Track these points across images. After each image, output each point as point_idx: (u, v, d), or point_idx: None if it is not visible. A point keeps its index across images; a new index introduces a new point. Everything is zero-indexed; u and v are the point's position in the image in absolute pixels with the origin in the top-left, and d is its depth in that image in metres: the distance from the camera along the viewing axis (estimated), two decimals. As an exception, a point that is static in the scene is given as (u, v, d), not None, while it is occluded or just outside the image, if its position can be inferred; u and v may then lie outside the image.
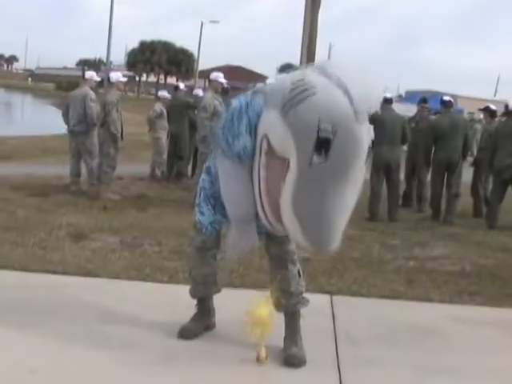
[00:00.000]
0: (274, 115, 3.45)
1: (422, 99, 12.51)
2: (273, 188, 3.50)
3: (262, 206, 3.60)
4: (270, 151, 3.47)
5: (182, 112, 12.86)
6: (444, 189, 10.41)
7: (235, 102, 3.77)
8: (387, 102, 10.26)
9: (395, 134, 9.84)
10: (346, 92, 3.38)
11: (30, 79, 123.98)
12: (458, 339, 4.67)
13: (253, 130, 3.64)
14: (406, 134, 10.08)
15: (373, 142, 10.57)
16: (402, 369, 4.04)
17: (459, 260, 7.28)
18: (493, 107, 11.70)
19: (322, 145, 3.28)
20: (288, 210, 3.40)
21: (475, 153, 12.38)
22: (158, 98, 14.31)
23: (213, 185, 4.07)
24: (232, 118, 3.70)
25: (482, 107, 12.18)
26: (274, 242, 4.06)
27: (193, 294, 4.42)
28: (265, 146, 3.49)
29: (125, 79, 10.72)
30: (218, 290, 4.45)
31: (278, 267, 4.10)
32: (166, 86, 78.99)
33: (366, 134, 3.47)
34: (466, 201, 10.85)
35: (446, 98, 10.87)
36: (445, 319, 5.09)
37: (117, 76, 10.47)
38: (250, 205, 3.72)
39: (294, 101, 3.37)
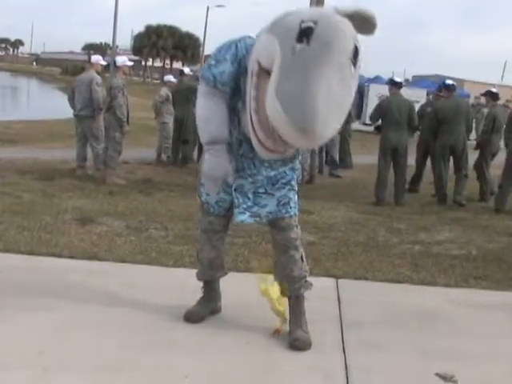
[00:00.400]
0: (263, 37, 3.57)
1: (439, 87, 12.46)
2: (261, 105, 3.52)
3: (253, 126, 3.62)
4: (260, 71, 3.53)
5: (187, 96, 12.81)
6: (448, 172, 10.41)
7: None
8: (396, 85, 10.27)
9: (402, 119, 9.81)
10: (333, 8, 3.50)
11: (34, 63, 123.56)
12: (464, 323, 4.68)
13: (236, 62, 3.76)
14: (413, 118, 10.04)
15: (380, 127, 10.63)
16: (407, 352, 4.04)
17: (465, 244, 7.27)
18: (494, 90, 11.65)
19: (304, 33, 3.33)
20: (272, 98, 3.35)
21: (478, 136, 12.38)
22: (165, 83, 14.25)
23: None
24: (222, 46, 3.84)
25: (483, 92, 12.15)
26: (277, 229, 4.08)
27: (200, 276, 4.44)
28: (256, 68, 3.55)
29: (131, 63, 10.67)
30: (225, 273, 4.47)
31: (281, 253, 4.12)
32: (171, 71, 79.03)
33: (349, 28, 3.42)
34: (471, 185, 10.82)
35: (449, 81, 10.83)
36: (450, 303, 5.09)
37: (123, 60, 10.43)
38: (218, 130, 3.82)
39: (282, 16, 3.55)
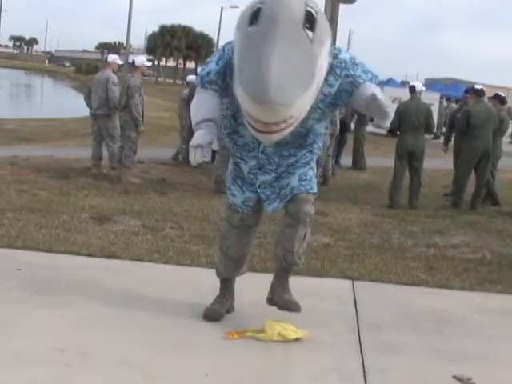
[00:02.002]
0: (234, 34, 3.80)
1: (466, 90, 12.42)
2: None
3: (245, 118, 3.79)
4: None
5: None
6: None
7: None
8: (411, 89, 10.30)
9: (420, 122, 9.82)
10: None
11: (46, 61, 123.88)
12: (480, 326, 4.71)
13: (222, 62, 4.02)
14: (431, 122, 10.04)
15: (392, 130, 10.61)
16: (424, 354, 4.07)
17: (479, 248, 7.28)
18: (502, 94, 11.63)
19: (254, 15, 3.55)
20: (236, 85, 3.60)
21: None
22: (187, 83, 14.21)
23: (237, 166, 4.27)
24: (215, 53, 4.18)
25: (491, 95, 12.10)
26: (293, 202, 4.12)
27: (221, 273, 4.50)
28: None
29: (149, 63, 10.75)
30: (246, 271, 4.59)
31: (287, 225, 4.16)
32: (184, 71, 79.13)
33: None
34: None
35: (478, 86, 10.82)
36: (466, 306, 5.12)
37: (141, 60, 10.48)
38: (208, 112, 4.04)
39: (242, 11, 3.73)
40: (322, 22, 3.67)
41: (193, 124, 4.15)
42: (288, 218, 4.17)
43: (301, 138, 4.12)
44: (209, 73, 4.06)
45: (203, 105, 4.11)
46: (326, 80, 3.93)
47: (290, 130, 3.78)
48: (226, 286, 4.49)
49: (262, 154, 4.12)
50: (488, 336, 4.52)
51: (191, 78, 13.99)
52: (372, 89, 3.93)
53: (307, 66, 3.54)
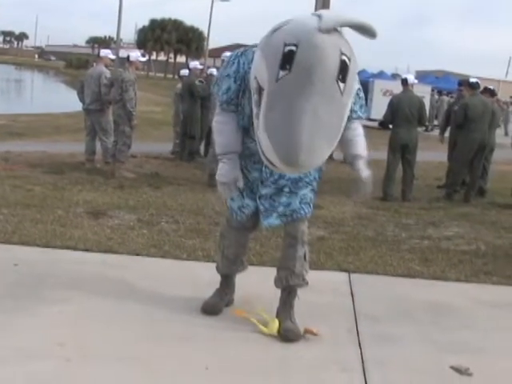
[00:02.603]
0: (257, 53, 3.55)
1: (459, 83, 12.45)
2: None
3: (259, 143, 3.60)
4: (259, 89, 3.49)
5: (190, 92, 12.85)
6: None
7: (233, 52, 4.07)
8: (404, 82, 10.34)
9: (412, 115, 9.86)
10: (319, 15, 3.39)
11: (36, 56, 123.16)
12: (476, 317, 4.75)
13: (239, 78, 3.90)
14: (423, 115, 10.09)
15: (389, 123, 10.63)
16: (422, 345, 4.11)
17: (474, 240, 7.33)
18: (491, 87, 11.67)
19: (286, 59, 3.29)
20: (261, 129, 3.42)
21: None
22: (181, 78, 14.17)
23: (241, 172, 4.18)
24: (227, 61, 4.00)
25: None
26: (292, 222, 4.17)
27: (222, 270, 4.53)
28: (254, 85, 3.53)
29: (144, 59, 10.75)
30: (246, 267, 4.59)
31: (288, 245, 4.22)
32: (175, 65, 78.94)
33: (333, 45, 3.33)
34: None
35: (473, 79, 10.86)
36: (462, 298, 5.16)
37: (136, 55, 10.46)
38: (229, 142, 4.02)
39: (269, 33, 3.48)
40: (354, 67, 3.46)
41: (216, 151, 4.14)
42: (287, 238, 4.23)
43: None
44: (228, 90, 3.94)
45: (225, 133, 4.03)
46: None
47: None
48: (227, 281, 4.52)
49: (266, 168, 4.03)
50: (484, 327, 4.56)
51: (184, 72, 13.97)
52: (360, 164, 4.06)
53: (336, 122, 3.44)
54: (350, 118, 3.94)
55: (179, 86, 13.73)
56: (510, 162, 14.60)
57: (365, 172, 4.04)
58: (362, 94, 4.11)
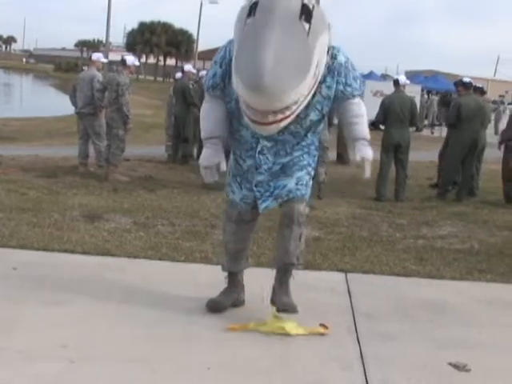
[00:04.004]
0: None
1: (455, 83, 12.54)
2: None
3: (243, 109, 3.87)
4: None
5: (183, 95, 12.88)
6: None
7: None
8: (395, 83, 10.42)
9: (404, 116, 9.96)
10: None
11: (24, 60, 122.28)
12: (473, 314, 4.82)
13: (224, 63, 4.09)
14: (415, 115, 10.17)
15: (381, 123, 10.67)
16: (419, 343, 4.16)
17: (467, 238, 7.40)
18: (479, 85, 11.75)
19: (252, 8, 3.66)
20: (233, 73, 3.70)
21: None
22: (176, 80, 14.19)
23: (237, 163, 4.33)
24: (217, 52, 4.23)
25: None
26: (288, 202, 4.21)
27: (224, 267, 4.56)
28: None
29: (138, 63, 10.82)
30: (249, 265, 4.64)
31: (283, 226, 4.26)
32: (165, 68, 78.86)
33: None
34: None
35: (466, 79, 10.95)
36: (457, 295, 5.23)
37: (132, 60, 10.54)
38: (213, 127, 4.19)
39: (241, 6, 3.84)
40: (319, 16, 3.74)
41: (201, 135, 4.30)
42: (283, 218, 4.26)
43: (299, 137, 4.17)
44: (214, 75, 4.15)
45: (210, 118, 4.22)
46: (324, 81, 4.01)
47: (287, 121, 3.85)
48: (232, 278, 4.55)
49: (259, 154, 4.17)
50: (480, 324, 4.62)
51: (179, 75, 14.00)
52: (360, 148, 4.14)
53: (304, 56, 3.60)
54: (345, 93, 4.12)
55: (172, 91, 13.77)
56: (500, 160, 14.70)
57: (358, 155, 4.12)
58: (350, 66, 4.15)
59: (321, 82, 3.98)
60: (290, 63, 3.53)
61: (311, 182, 4.35)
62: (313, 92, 3.91)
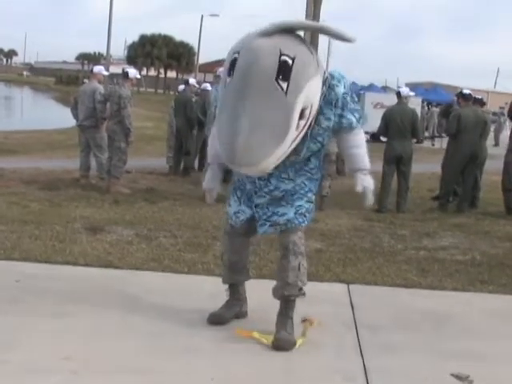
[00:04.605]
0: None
1: (457, 95, 12.60)
2: None
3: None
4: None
5: (184, 108, 12.92)
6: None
7: None
8: (398, 95, 10.48)
9: (405, 128, 9.98)
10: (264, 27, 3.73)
11: (24, 73, 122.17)
12: (475, 325, 4.81)
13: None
14: (416, 127, 10.19)
15: (382, 135, 10.70)
16: (422, 354, 4.16)
17: (469, 250, 7.40)
18: (479, 96, 11.76)
19: (232, 66, 3.64)
20: (216, 134, 3.85)
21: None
22: (179, 93, 14.22)
23: (238, 181, 4.34)
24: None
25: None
26: (282, 232, 4.24)
27: (224, 279, 4.58)
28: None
29: (139, 76, 10.89)
30: (248, 278, 4.62)
31: (281, 257, 4.28)
32: (165, 80, 79.03)
33: (270, 49, 3.59)
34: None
35: (466, 91, 10.97)
36: (459, 306, 5.22)
37: (134, 72, 10.62)
38: (213, 155, 4.32)
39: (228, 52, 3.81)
40: (300, 67, 3.64)
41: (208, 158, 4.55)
42: (281, 249, 4.31)
43: (302, 161, 4.16)
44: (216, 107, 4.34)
45: (212, 145, 4.32)
46: (322, 113, 3.98)
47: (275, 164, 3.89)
48: (233, 290, 4.56)
49: (259, 180, 4.16)
50: (483, 335, 4.62)
51: (182, 87, 14.05)
52: (361, 178, 4.20)
53: (280, 119, 3.60)
54: (342, 126, 4.10)
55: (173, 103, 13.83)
56: (501, 172, 14.72)
57: (359, 185, 4.16)
58: (349, 98, 4.10)
59: (319, 114, 3.96)
60: (264, 131, 3.55)
61: (312, 206, 4.33)
62: (302, 135, 3.88)
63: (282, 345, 4.08)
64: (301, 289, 4.25)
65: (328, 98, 3.98)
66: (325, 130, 4.06)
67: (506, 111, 29.26)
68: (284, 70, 3.54)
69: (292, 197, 4.20)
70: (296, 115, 3.67)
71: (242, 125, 3.48)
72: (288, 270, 4.19)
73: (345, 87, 4.05)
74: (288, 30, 3.75)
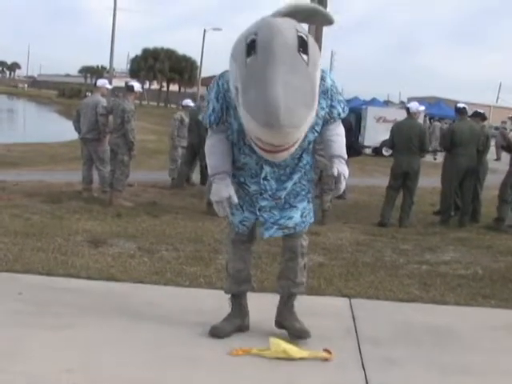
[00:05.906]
0: (229, 62, 3.87)
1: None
2: None
3: (245, 127, 3.87)
4: (236, 88, 3.78)
5: (197, 122, 12.88)
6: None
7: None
8: (406, 110, 10.53)
9: (413, 143, 10.00)
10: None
11: (26, 86, 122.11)
12: (477, 340, 4.79)
13: (220, 97, 4.15)
14: (424, 142, 10.21)
15: (391, 148, 10.73)
16: (424, 368, 4.15)
17: (471, 264, 7.40)
18: (480, 111, 11.81)
19: (251, 47, 3.65)
20: (243, 112, 3.70)
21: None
22: (182, 107, 14.27)
23: (239, 187, 4.36)
24: (210, 87, 4.28)
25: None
26: (288, 237, 4.41)
27: (227, 290, 4.61)
28: (235, 92, 3.81)
29: (142, 90, 10.94)
30: (252, 288, 4.67)
31: (289, 259, 4.47)
32: (168, 94, 79.18)
33: (288, 25, 3.71)
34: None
35: (460, 105, 11.01)
36: (462, 321, 5.21)
37: (138, 86, 10.68)
38: (219, 163, 4.25)
39: (236, 40, 3.83)
40: (313, 45, 3.81)
41: (208, 173, 4.41)
42: (288, 252, 4.47)
43: (296, 158, 4.24)
44: (213, 110, 4.20)
45: (215, 154, 4.29)
46: (319, 103, 4.05)
47: (295, 148, 3.90)
48: (235, 302, 4.58)
49: (263, 180, 4.24)
50: (485, 349, 4.60)
51: (187, 101, 14.08)
52: (338, 164, 4.25)
53: (308, 88, 3.66)
54: (331, 116, 4.27)
55: (178, 113, 13.84)
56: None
57: (335, 169, 4.22)
58: (335, 89, 4.27)
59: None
60: (298, 98, 3.58)
61: (311, 206, 4.50)
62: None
63: (303, 335, 4.38)
64: (304, 285, 4.57)
65: (322, 89, 4.10)
66: (320, 119, 4.18)
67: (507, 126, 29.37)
68: (303, 44, 3.66)
69: (296, 198, 4.34)
70: (317, 88, 3.79)
71: (279, 90, 3.51)
72: (296, 271, 4.45)
73: (331, 78, 4.25)
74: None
